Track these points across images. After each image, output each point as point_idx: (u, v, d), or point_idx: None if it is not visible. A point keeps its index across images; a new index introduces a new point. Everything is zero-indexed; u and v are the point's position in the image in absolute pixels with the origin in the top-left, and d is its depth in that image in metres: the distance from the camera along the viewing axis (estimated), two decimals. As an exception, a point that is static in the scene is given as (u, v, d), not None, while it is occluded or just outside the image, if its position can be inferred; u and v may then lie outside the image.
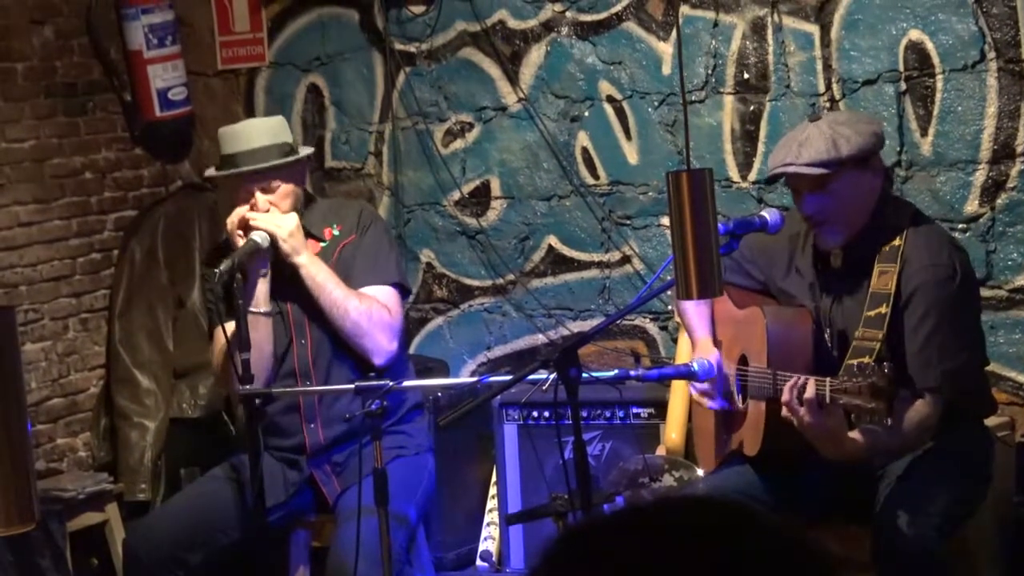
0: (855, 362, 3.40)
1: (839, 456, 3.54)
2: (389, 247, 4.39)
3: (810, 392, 3.46)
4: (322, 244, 4.32)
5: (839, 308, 3.78)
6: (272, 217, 4.19)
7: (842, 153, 3.65)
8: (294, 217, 4.21)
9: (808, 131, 3.71)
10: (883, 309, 3.60)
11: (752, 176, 4.92)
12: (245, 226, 4.18)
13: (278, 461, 4.31)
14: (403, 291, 4.39)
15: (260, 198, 4.23)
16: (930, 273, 3.64)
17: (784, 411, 3.51)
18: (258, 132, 4.32)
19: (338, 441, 4.26)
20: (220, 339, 4.14)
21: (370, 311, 4.19)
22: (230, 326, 3.98)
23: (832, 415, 3.45)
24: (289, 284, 4.22)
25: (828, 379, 3.43)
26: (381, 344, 4.21)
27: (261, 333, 4.16)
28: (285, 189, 4.26)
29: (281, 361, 4.26)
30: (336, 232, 4.35)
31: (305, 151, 4.44)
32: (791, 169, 3.70)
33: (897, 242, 3.68)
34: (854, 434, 3.50)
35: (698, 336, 4.03)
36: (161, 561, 4.17)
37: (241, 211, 4.22)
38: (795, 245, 3.91)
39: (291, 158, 4.29)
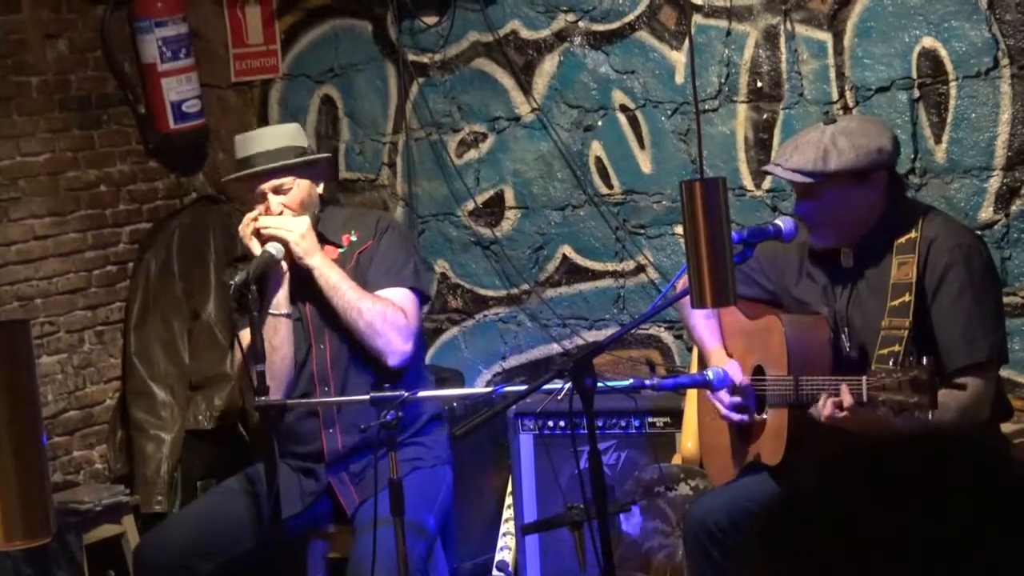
0: (888, 352, 3.36)
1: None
2: (407, 253, 4.39)
3: (848, 400, 3.41)
4: (340, 250, 4.34)
5: (856, 307, 3.76)
6: (283, 220, 4.21)
7: (828, 168, 3.61)
8: (305, 220, 4.22)
9: (810, 135, 3.69)
10: (907, 297, 3.56)
11: (766, 185, 4.91)
12: (257, 232, 4.20)
13: (295, 471, 4.31)
14: (421, 297, 4.39)
15: (273, 200, 4.24)
16: (957, 253, 3.61)
17: (824, 420, 3.46)
18: (273, 136, 4.38)
19: (357, 448, 4.27)
20: (237, 349, 4.16)
21: (384, 312, 4.19)
22: (246, 335, 4.00)
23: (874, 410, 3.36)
24: (308, 289, 4.24)
25: (864, 378, 3.38)
26: (395, 345, 4.21)
27: (282, 335, 4.18)
28: (299, 189, 4.27)
29: (301, 366, 4.28)
30: (354, 238, 4.36)
31: (321, 155, 4.48)
32: (777, 171, 3.72)
33: (913, 234, 3.65)
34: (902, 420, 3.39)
35: (710, 347, 4.02)
36: (171, 568, 4.18)
37: (253, 215, 4.24)
38: (804, 252, 3.90)
39: (304, 158, 4.31)
